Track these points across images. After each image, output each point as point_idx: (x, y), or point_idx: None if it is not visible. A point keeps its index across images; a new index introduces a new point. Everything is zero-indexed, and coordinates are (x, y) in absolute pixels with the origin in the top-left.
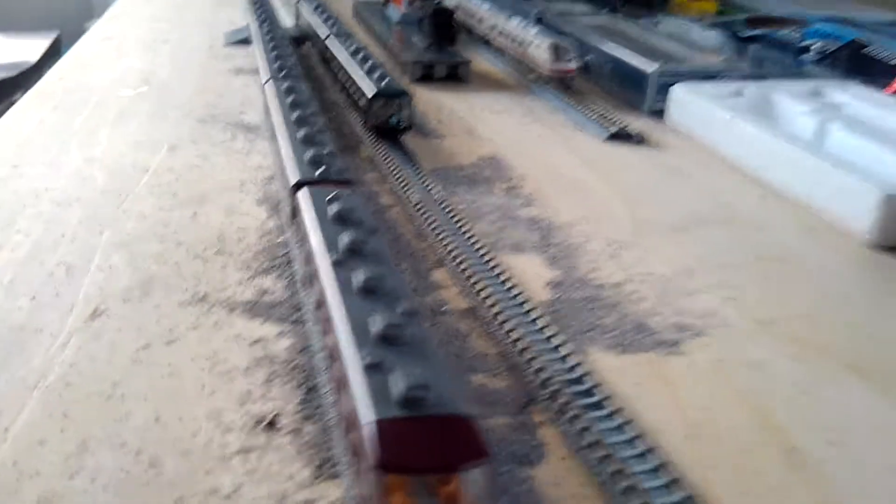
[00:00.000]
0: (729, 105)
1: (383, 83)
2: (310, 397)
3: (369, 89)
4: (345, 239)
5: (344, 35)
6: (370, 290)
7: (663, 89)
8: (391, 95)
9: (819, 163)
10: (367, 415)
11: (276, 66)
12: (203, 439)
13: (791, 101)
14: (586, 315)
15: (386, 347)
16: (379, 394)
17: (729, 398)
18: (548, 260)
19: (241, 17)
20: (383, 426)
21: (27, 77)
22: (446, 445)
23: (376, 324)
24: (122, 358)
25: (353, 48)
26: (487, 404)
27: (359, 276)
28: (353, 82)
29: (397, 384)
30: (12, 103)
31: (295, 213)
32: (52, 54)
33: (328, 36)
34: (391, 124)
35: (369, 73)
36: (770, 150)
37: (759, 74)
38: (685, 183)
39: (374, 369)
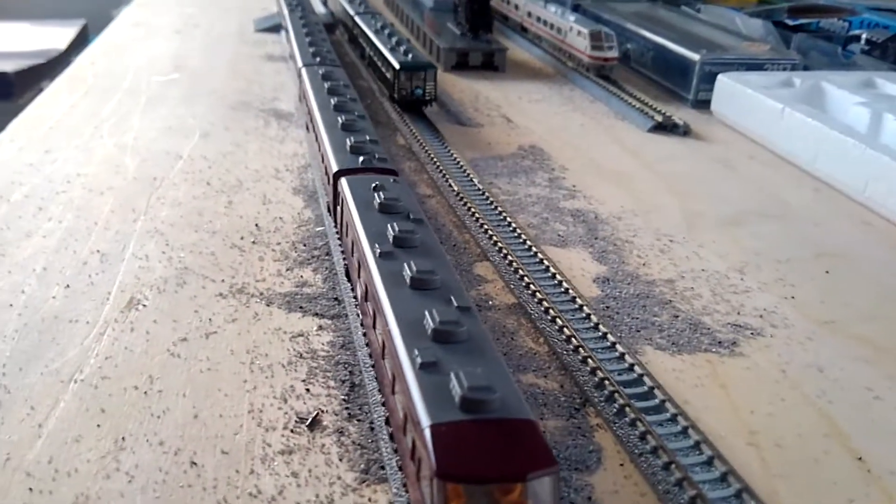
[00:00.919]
0: (779, 95)
1: (409, 56)
2: (354, 395)
3: (396, 62)
4: (392, 229)
5: (371, 13)
6: (422, 284)
7: (708, 78)
8: (416, 68)
9: (876, 155)
10: (425, 418)
11: (311, 51)
12: (245, 438)
13: (843, 92)
14: (638, 312)
15: (441, 345)
16: (438, 395)
17: (792, 403)
18: (595, 254)
19: (270, 3)
20: (443, 431)
21: (55, 64)
22: (512, 452)
23: (431, 319)
24: (159, 351)
25: (379, 24)
26: (539, 405)
27: (409, 269)
28: (381, 56)
29: (457, 385)
30: (41, 90)
31: (337, 201)
32: (80, 42)
33: (357, 14)
34: (416, 96)
35: (395, 47)
36: (824, 141)
37: (807, 64)
38: (734, 175)
39: (429, 368)
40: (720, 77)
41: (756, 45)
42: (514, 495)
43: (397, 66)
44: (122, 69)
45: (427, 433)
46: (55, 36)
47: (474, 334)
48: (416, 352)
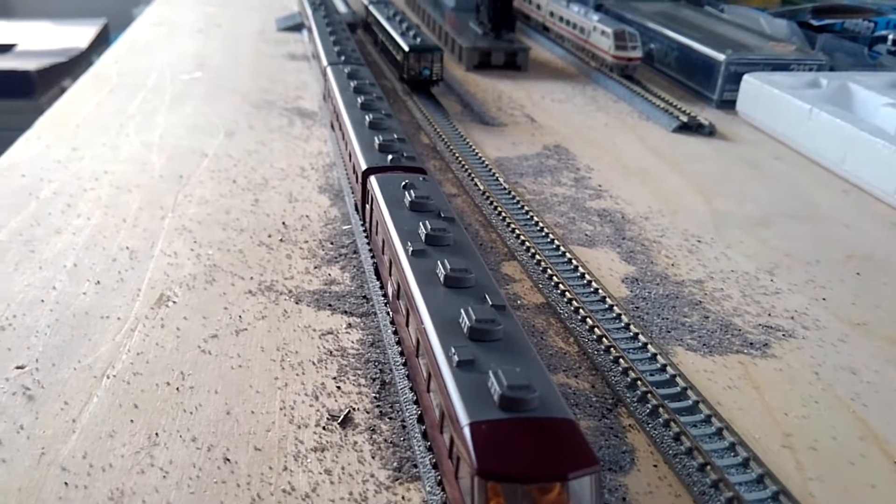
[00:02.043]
0: (806, 96)
1: (417, 40)
2: (384, 393)
3: (405, 45)
4: (424, 227)
5: (385, 2)
6: (456, 282)
7: (733, 79)
8: (424, 50)
9: None
10: (464, 416)
11: (336, 50)
12: (277, 435)
13: (871, 93)
14: (668, 313)
15: (478, 343)
16: (476, 394)
17: (826, 405)
18: (623, 254)
19: (290, 1)
20: (483, 429)
21: (77, 63)
22: (553, 451)
23: (467, 318)
24: (190, 347)
25: (391, 12)
26: (571, 405)
27: (443, 267)
28: (392, 40)
29: (496, 383)
30: (63, 88)
31: (366, 199)
32: (101, 41)
33: (370, 3)
34: (423, 76)
35: (405, 32)
36: (853, 143)
37: (832, 65)
38: (761, 176)
39: (467, 366)
40: (746, 77)
41: (781, 45)
42: (555, 494)
43: (406, 49)
44: (145, 67)
45: (467, 431)
46: (76, 35)
47: (510, 333)
48: (453, 350)
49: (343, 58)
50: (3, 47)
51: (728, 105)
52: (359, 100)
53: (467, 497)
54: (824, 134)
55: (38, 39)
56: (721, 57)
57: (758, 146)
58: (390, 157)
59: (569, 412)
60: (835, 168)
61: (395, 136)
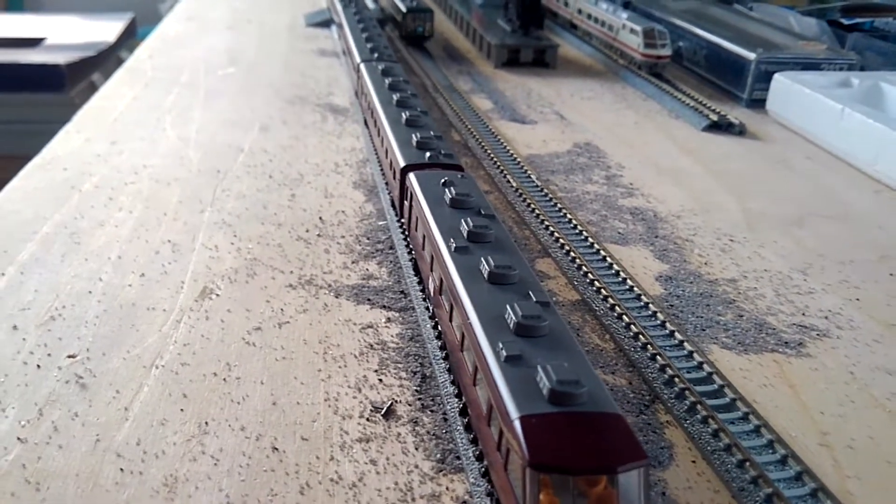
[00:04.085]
0: (838, 95)
1: (413, 3)
2: (425, 386)
3: (403, 7)
4: (466, 224)
5: None
6: (500, 278)
7: (763, 78)
8: (418, 11)
9: None
10: (514, 410)
11: (368, 47)
12: (323, 425)
13: None
14: (702, 311)
15: (524, 338)
16: (525, 388)
17: (862, 405)
18: (656, 252)
19: None
20: (534, 422)
21: (105, 56)
22: (602, 445)
23: (513, 313)
24: (235, 339)
25: None
26: None
27: (487, 264)
28: (394, 6)
29: (545, 378)
30: (92, 82)
31: (404, 196)
32: (128, 35)
33: None
34: (418, 33)
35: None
36: (885, 143)
37: (864, 64)
38: (793, 175)
39: (515, 361)
40: (776, 76)
41: (812, 44)
42: (603, 488)
43: (404, 11)
44: (179, 63)
45: (517, 424)
46: (104, 29)
47: (555, 329)
48: (501, 345)
49: (376, 55)
50: (32, 41)
51: (758, 104)
52: (394, 97)
53: (517, 488)
54: (856, 134)
55: (66, 33)
56: (751, 56)
57: (788, 146)
58: (428, 154)
59: (616, 407)
60: (866, 168)
61: (432, 133)
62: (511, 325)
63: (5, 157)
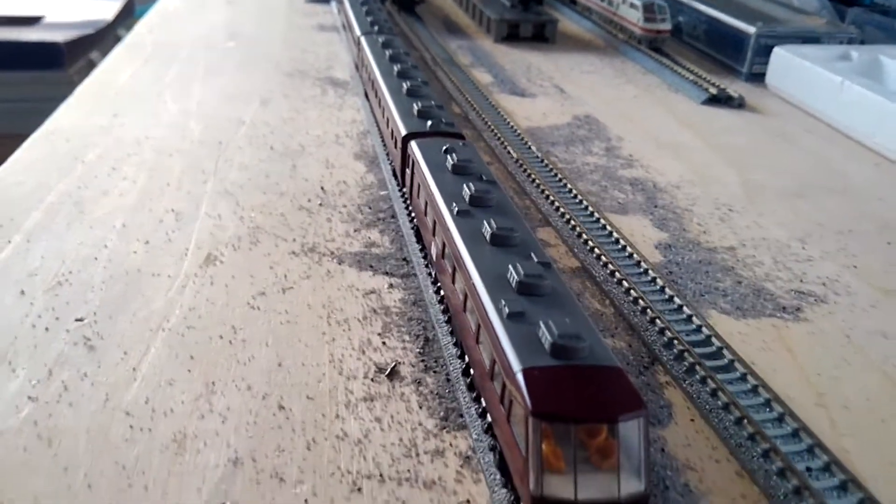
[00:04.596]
0: (837, 69)
1: None
2: (428, 349)
3: None
4: (468, 189)
5: None
6: (502, 240)
7: (763, 51)
8: None
9: None
10: (516, 363)
11: (368, 20)
12: (328, 385)
13: None
14: (701, 278)
15: (526, 297)
16: (527, 343)
17: (858, 367)
18: (655, 221)
19: None
20: (536, 374)
21: (103, 35)
22: (603, 396)
23: (515, 273)
24: (239, 303)
25: None
26: None
27: (489, 226)
28: None
29: (547, 333)
30: (90, 60)
31: (406, 164)
32: (126, 13)
33: None
34: None
35: None
36: (884, 116)
37: (863, 38)
38: (792, 148)
39: (517, 318)
40: (776, 50)
41: (812, 18)
42: (604, 438)
43: None
44: (178, 37)
45: (520, 377)
46: (102, 7)
47: (556, 288)
48: (503, 303)
49: (377, 28)
50: (30, 19)
51: (757, 78)
52: (395, 68)
53: (520, 439)
54: (855, 107)
55: (64, 11)
56: (751, 30)
57: (788, 119)
58: (429, 122)
59: (616, 360)
60: (866, 141)
61: (433, 102)
62: (513, 284)
63: (4, 135)
